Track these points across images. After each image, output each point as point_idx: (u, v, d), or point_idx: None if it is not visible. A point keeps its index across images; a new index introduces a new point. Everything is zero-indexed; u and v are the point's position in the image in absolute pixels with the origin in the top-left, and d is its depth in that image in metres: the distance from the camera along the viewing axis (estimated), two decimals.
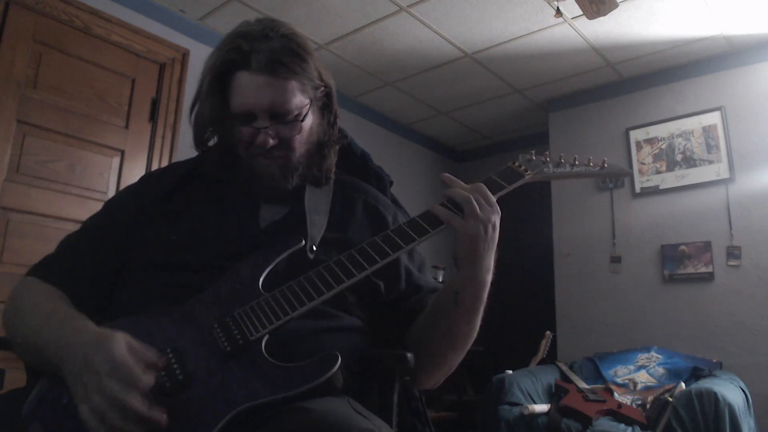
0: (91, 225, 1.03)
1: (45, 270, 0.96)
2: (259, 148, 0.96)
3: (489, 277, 0.89)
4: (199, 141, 1.04)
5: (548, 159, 1.04)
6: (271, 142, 0.95)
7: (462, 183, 0.91)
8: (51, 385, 0.77)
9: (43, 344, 0.80)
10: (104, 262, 0.96)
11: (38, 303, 0.89)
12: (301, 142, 0.99)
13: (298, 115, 0.96)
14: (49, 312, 0.86)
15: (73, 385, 0.72)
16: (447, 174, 0.94)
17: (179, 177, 1.05)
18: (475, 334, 0.94)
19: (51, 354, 0.78)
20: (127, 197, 1.08)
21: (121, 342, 0.72)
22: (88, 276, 0.95)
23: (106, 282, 0.95)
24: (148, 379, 0.69)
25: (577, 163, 1.05)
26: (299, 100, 0.96)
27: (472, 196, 0.87)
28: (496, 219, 0.88)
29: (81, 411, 0.69)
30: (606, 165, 1.06)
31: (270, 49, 0.94)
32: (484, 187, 0.91)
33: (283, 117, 0.95)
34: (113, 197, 1.13)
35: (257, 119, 0.95)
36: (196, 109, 1.03)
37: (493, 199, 0.90)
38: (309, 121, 0.99)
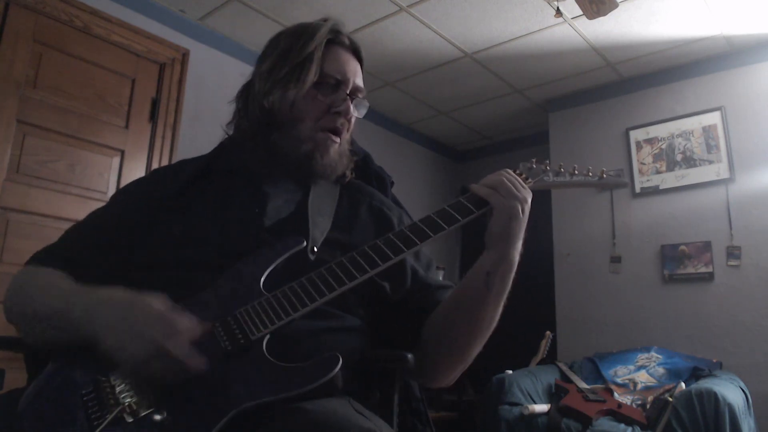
0: (95, 217, 1.04)
1: (47, 257, 0.97)
2: (332, 120, 1.01)
3: (518, 259, 0.91)
4: (261, 109, 1.02)
5: (548, 167, 1.05)
6: (351, 112, 1.02)
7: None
8: (48, 381, 0.77)
9: (64, 308, 0.82)
10: (106, 254, 0.96)
11: (50, 280, 0.90)
12: (351, 128, 1.06)
13: (365, 98, 1.06)
14: (64, 284, 0.88)
15: (108, 336, 0.75)
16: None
17: (188, 174, 1.05)
18: (496, 322, 0.95)
19: (77, 315, 0.80)
20: (133, 192, 1.08)
21: (160, 297, 0.78)
22: (88, 266, 0.95)
23: (106, 275, 0.95)
24: (188, 329, 0.75)
25: (576, 172, 1.06)
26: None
27: (504, 178, 0.91)
28: (530, 198, 0.92)
29: (122, 359, 0.73)
30: (605, 175, 1.07)
31: (353, 38, 1.07)
32: (511, 172, 0.95)
33: (359, 94, 1.05)
34: (119, 190, 1.13)
35: (342, 89, 1.02)
36: (266, 78, 1.03)
37: (523, 181, 0.94)
38: (364, 112, 1.07)
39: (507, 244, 0.89)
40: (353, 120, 1.06)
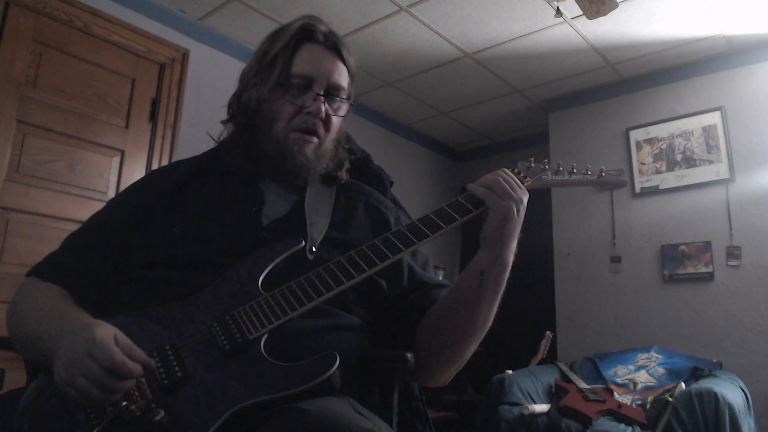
0: (94, 223, 1.04)
1: (47, 268, 0.97)
2: (304, 120, 0.99)
3: (512, 259, 0.91)
4: (244, 112, 1.03)
5: (547, 166, 1.04)
6: (323, 112, 0.99)
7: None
8: (48, 381, 0.77)
9: (41, 336, 0.81)
10: (106, 259, 0.97)
11: (39, 299, 0.90)
12: (334, 129, 1.04)
13: (348, 97, 1.04)
14: (49, 307, 0.87)
15: (59, 369, 0.72)
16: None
17: (183, 174, 1.05)
18: (490, 322, 0.95)
19: (47, 345, 0.79)
20: (130, 195, 1.08)
21: (107, 328, 0.73)
22: (89, 273, 0.95)
23: (108, 279, 0.95)
24: (130, 364, 0.70)
25: (575, 171, 1.06)
26: (347, 85, 1.04)
27: (500, 178, 0.91)
28: (526, 199, 0.92)
29: (68, 393, 0.70)
30: (603, 174, 1.07)
31: (332, 32, 1.05)
32: (509, 171, 0.94)
33: (337, 93, 1.02)
34: (117, 195, 1.14)
35: (314, 88, 1.00)
36: (247, 81, 1.04)
37: (519, 181, 0.94)
38: (344, 111, 1.05)
39: (501, 244, 0.89)
40: (334, 119, 1.03)
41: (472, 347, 0.97)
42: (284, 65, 0.99)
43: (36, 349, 0.82)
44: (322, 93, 1.00)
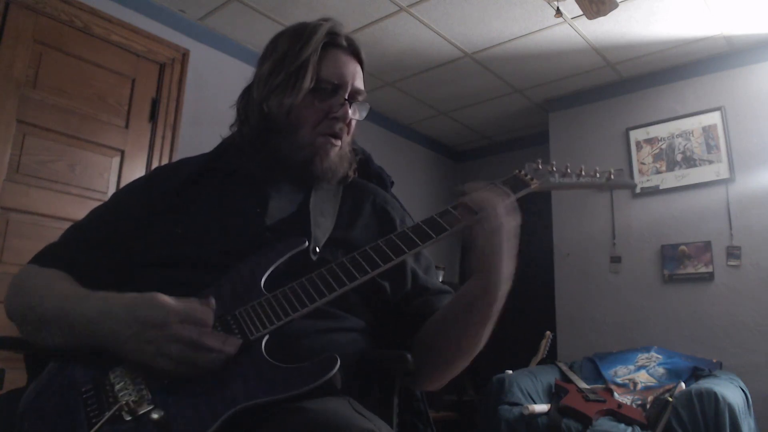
0: (97, 216, 1.03)
1: (49, 257, 0.96)
2: (331, 125, 1.00)
3: (507, 286, 0.88)
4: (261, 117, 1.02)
5: (554, 168, 1.02)
6: (350, 115, 1.01)
7: (482, 187, 0.90)
8: (49, 381, 0.77)
9: (70, 319, 0.80)
10: (108, 255, 0.96)
11: (50, 283, 0.89)
12: (352, 131, 1.06)
13: (365, 100, 1.05)
14: (65, 290, 0.86)
15: (133, 349, 0.74)
16: (469, 184, 0.92)
17: (189, 172, 1.05)
18: (485, 340, 0.93)
19: (82, 328, 0.78)
20: (134, 192, 1.08)
21: (164, 296, 0.76)
22: (91, 266, 0.94)
23: (109, 276, 0.94)
24: (209, 316, 0.76)
25: (583, 173, 1.03)
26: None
27: (495, 202, 0.86)
28: (516, 225, 0.87)
29: (159, 365, 0.72)
30: (612, 177, 1.04)
31: (352, 38, 1.05)
32: (505, 192, 0.90)
33: (358, 96, 1.04)
34: (121, 189, 1.13)
35: (340, 93, 1.00)
36: (264, 83, 1.03)
37: (513, 204, 0.89)
38: (365, 113, 1.07)
39: (492, 274, 0.85)
40: (354, 123, 1.05)
41: (464, 363, 0.96)
42: (314, 71, 0.99)
43: (62, 325, 0.81)
44: (347, 98, 1.01)
